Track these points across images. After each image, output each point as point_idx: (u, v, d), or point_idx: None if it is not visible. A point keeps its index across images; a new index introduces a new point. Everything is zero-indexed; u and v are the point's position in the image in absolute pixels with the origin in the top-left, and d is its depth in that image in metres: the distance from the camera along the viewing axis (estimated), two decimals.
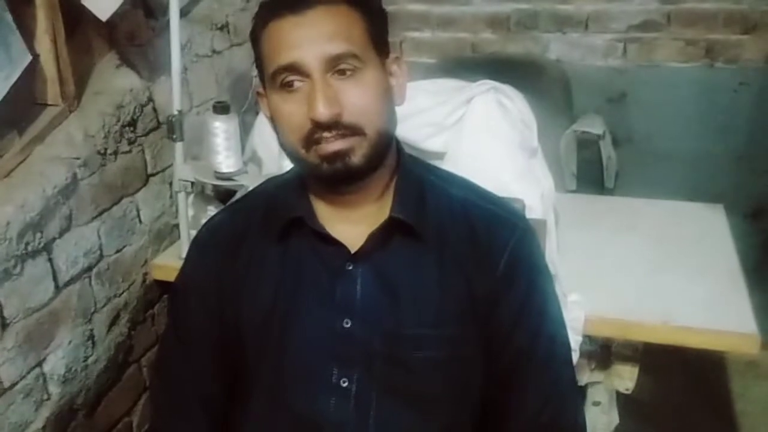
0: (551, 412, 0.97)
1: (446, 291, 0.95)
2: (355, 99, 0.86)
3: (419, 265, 0.95)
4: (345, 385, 0.93)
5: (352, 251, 0.94)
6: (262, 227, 0.99)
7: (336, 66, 0.86)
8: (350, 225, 0.95)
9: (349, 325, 0.93)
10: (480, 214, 0.99)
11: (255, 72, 0.98)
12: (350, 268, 0.94)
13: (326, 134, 0.86)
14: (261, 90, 0.95)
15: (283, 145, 0.93)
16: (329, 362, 0.94)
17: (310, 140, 0.87)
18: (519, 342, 0.96)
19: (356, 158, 0.88)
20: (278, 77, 0.87)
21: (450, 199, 0.99)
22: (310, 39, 0.85)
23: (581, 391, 1.54)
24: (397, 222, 0.94)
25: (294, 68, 0.86)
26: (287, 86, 0.87)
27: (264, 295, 0.96)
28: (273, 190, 1.03)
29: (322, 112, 0.84)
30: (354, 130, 0.87)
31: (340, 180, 0.90)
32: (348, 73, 0.87)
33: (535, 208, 1.39)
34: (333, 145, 0.86)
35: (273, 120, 0.93)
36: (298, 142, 0.88)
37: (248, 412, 0.99)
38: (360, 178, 0.91)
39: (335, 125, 0.86)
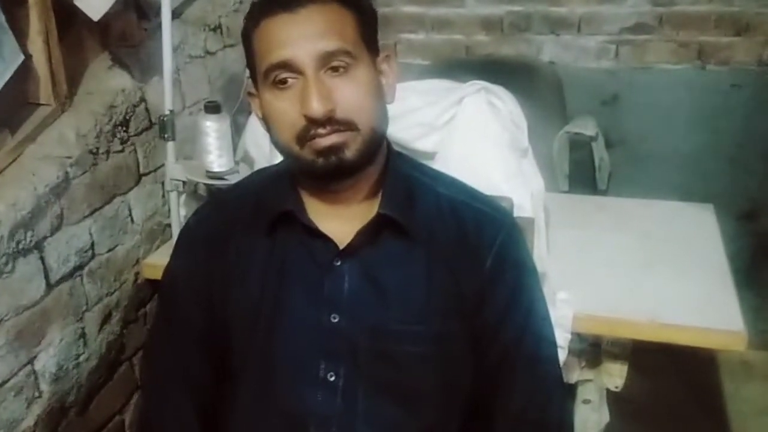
0: (537, 409, 0.98)
1: (433, 288, 0.95)
2: (348, 95, 0.87)
3: (406, 261, 0.96)
4: (332, 379, 0.94)
5: (341, 247, 0.95)
6: (250, 220, 0.99)
7: (329, 63, 0.87)
8: (339, 221, 0.96)
9: (336, 320, 0.94)
10: (467, 212, 0.99)
11: (247, 73, 0.98)
12: (338, 263, 0.95)
13: (320, 130, 0.87)
14: (252, 90, 0.96)
15: (276, 143, 0.93)
16: (316, 356, 0.94)
17: (304, 137, 0.88)
18: (505, 339, 0.97)
19: (350, 153, 0.88)
20: (271, 75, 0.88)
21: (438, 197, 1.00)
22: (303, 36, 0.86)
23: (572, 389, 1.55)
24: (385, 219, 0.94)
25: (287, 65, 0.87)
26: (280, 83, 0.88)
27: (251, 288, 0.97)
28: (262, 183, 1.04)
29: (317, 108, 0.85)
30: (348, 126, 0.88)
31: (333, 175, 0.91)
32: (341, 69, 0.88)
33: (524, 208, 1.40)
34: (327, 139, 0.87)
35: (265, 118, 0.93)
36: (292, 139, 0.89)
37: (235, 405, 0.99)
38: (352, 173, 0.92)
39: (329, 121, 0.86)
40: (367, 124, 0.89)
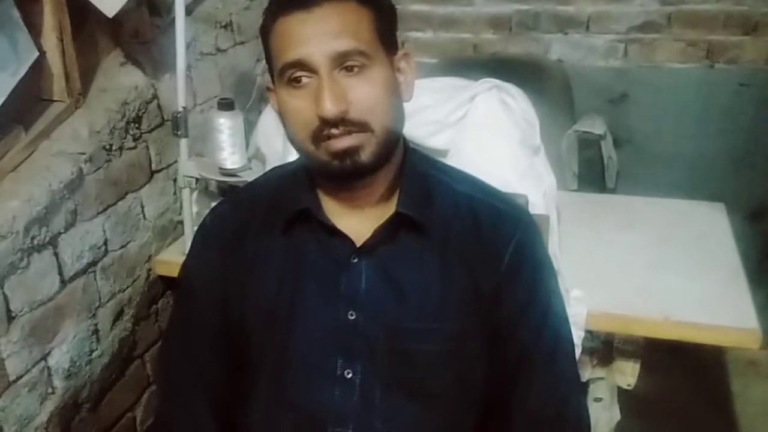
0: (555, 407, 0.98)
1: (449, 286, 0.95)
2: (362, 95, 0.87)
3: (423, 259, 0.96)
4: (349, 376, 0.94)
5: (358, 245, 0.95)
6: (266, 219, 0.99)
7: (343, 63, 0.86)
8: (356, 219, 0.96)
9: (353, 317, 0.94)
10: (484, 209, 0.99)
11: (258, 71, 0.98)
12: (355, 261, 0.95)
13: (334, 131, 0.86)
14: (271, 86, 0.96)
15: (291, 141, 0.93)
16: (334, 353, 0.94)
17: (319, 136, 0.87)
18: (523, 337, 0.97)
19: (365, 155, 0.88)
20: (286, 73, 0.88)
21: (455, 195, 0.99)
22: (317, 35, 0.86)
23: (583, 387, 1.55)
24: (403, 217, 0.94)
25: (301, 64, 0.86)
26: (295, 82, 0.88)
27: (268, 287, 0.97)
28: (278, 182, 1.03)
29: (329, 108, 0.85)
30: (361, 127, 0.87)
31: (348, 177, 0.91)
32: (355, 69, 0.87)
33: (537, 206, 1.40)
34: (342, 141, 0.87)
35: (281, 115, 0.93)
36: (307, 139, 0.89)
37: (252, 403, 0.99)
38: (368, 174, 0.91)
39: (342, 122, 0.86)
40: (381, 124, 0.89)
